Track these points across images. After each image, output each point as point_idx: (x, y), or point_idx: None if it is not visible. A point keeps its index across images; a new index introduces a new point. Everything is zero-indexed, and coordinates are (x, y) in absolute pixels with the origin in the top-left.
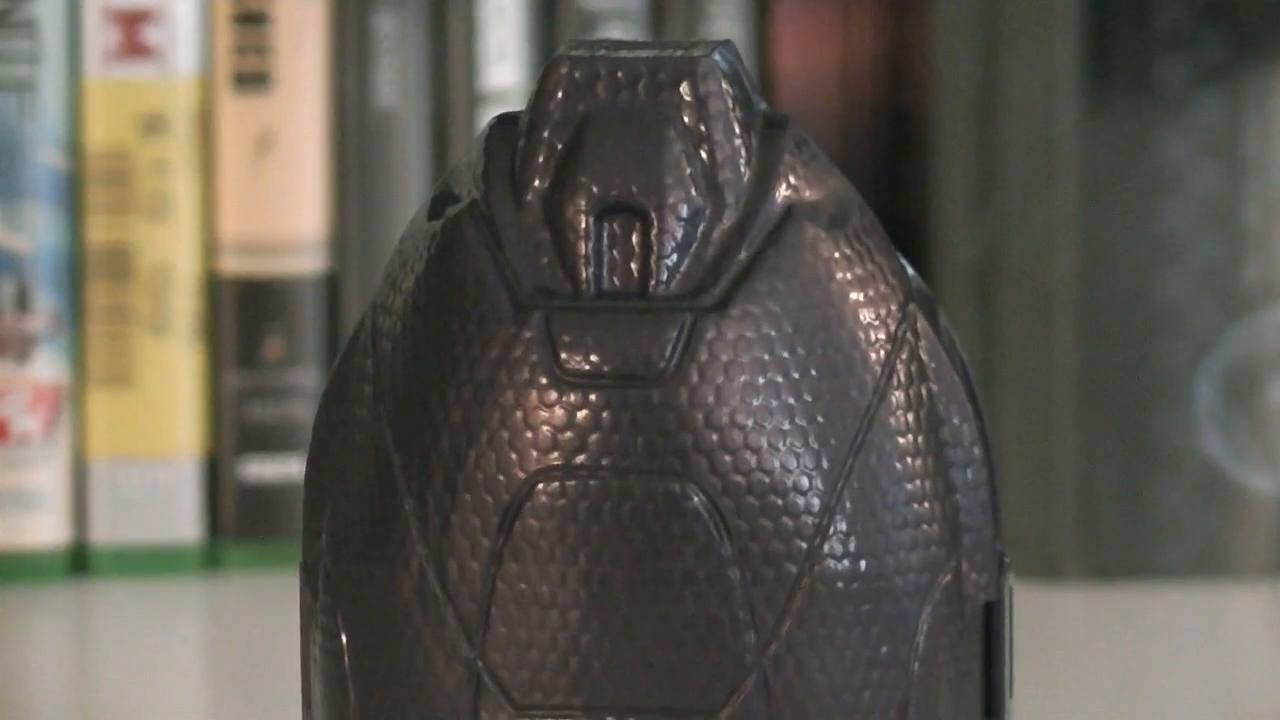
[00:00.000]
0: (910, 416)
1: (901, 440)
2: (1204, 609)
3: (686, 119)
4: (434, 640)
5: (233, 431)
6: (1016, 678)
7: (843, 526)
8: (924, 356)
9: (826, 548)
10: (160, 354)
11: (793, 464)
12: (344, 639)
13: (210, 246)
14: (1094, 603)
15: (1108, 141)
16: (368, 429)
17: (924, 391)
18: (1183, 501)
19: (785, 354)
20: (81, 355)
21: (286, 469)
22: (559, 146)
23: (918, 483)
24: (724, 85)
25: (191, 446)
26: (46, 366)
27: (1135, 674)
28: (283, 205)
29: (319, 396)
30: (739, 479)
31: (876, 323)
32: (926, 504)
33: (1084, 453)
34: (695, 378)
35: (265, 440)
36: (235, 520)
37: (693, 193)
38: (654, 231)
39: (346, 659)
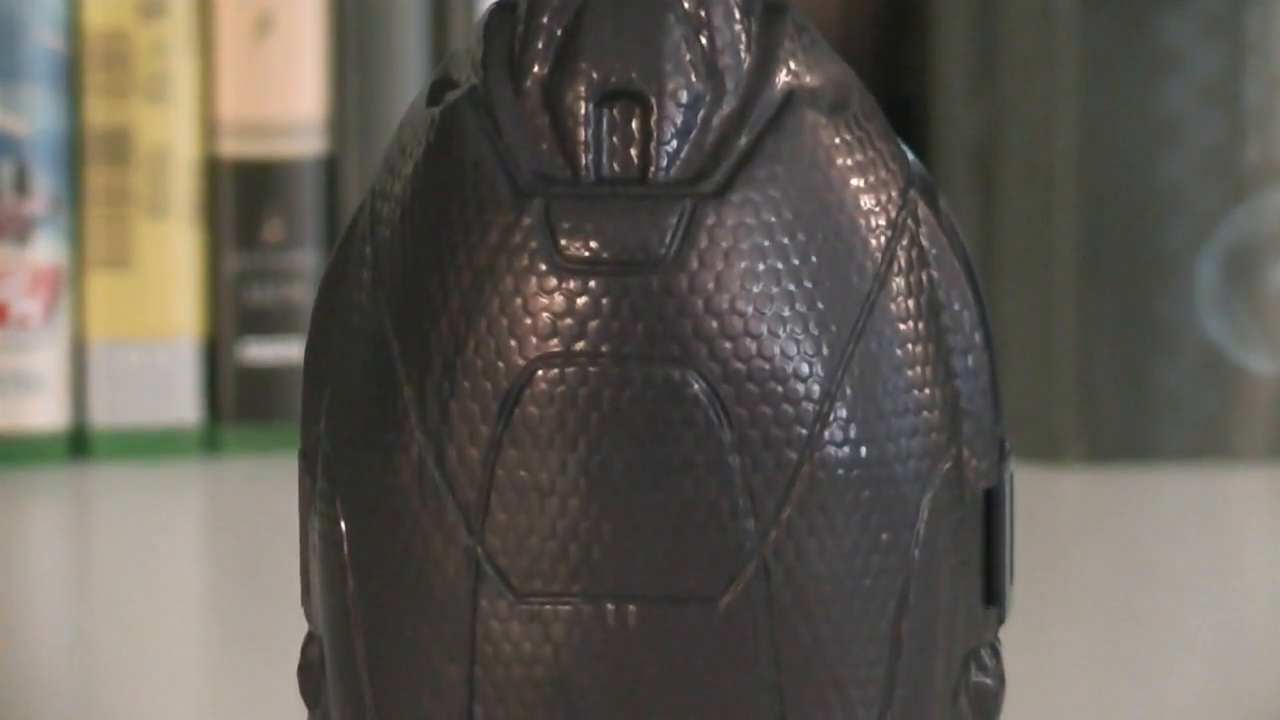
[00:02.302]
0: (911, 303)
1: (902, 327)
2: (1204, 490)
3: (686, 4)
4: (433, 527)
5: (232, 314)
6: (1017, 560)
7: (843, 413)
8: (924, 242)
9: (827, 434)
10: (159, 236)
11: (793, 350)
12: (343, 526)
13: (209, 129)
14: (1094, 485)
15: (1108, 21)
16: (367, 315)
17: (924, 278)
18: (1183, 383)
19: (785, 240)
20: (80, 238)
21: (286, 351)
22: (558, 32)
23: (918, 369)
24: None
25: (191, 329)
26: (45, 249)
27: (1136, 556)
28: (282, 87)
29: (318, 279)
30: (739, 365)
31: (877, 209)
32: (927, 390)
33: (1084, 335)
34: (695, 264)
35: (265, 323)
36: (235, 403)
37: (692, 78)
38: (654, 117)
39: (345, 546)
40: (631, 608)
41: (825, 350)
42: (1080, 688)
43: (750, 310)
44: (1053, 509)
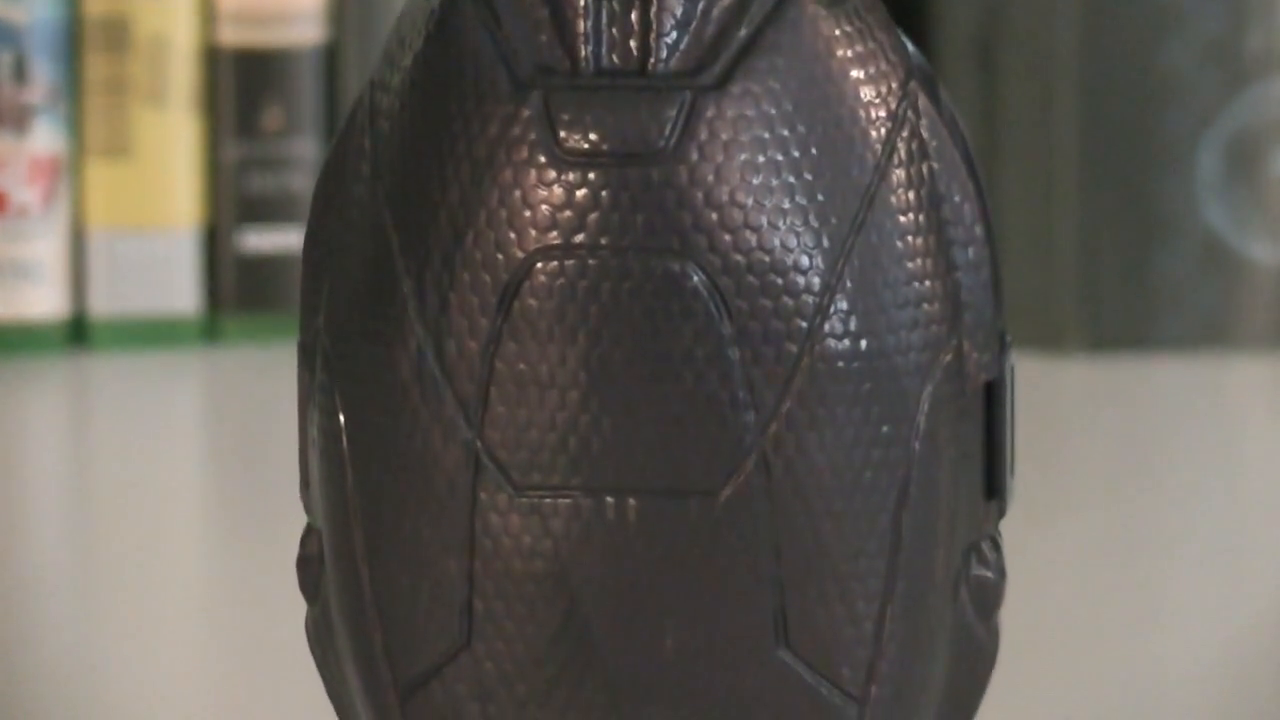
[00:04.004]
0: (911, 195)
1: (902, 219)
2: (1205, 379)
3: None
4: (432, 421)
5: (231, 202)
6: (1018, 449)
7: (843, 305)
8: (925, 134)
9: (827, 327)
10: (159, 125)
11: (793, 243)
12: (342, 419)
13: (208, 17)
14: (1096, 374)
15: None
16: (366, 208)
17: (925, 169)
18: (1184, 272)
19: (785, 132)
20: (80, 127)
21: (285, 240)
22: None
23: (919, 261)
24: None
25: (190, 218)
26: (44, 138)
27: (1136, 445)
28: None
29: (318, 168)
30: (739, 258)
31: (877, 100)
32: (927, 283)
33: (1085, 224)
34: (695, 156)
35: (264, 211)
36: (234, 291)
37: None
38: (653, 9)
39: (344, 439)
40: (631, 501)
41: (825, 242)
42: (1081, 579)
43: (750, 202)
44: (1054, 398)
